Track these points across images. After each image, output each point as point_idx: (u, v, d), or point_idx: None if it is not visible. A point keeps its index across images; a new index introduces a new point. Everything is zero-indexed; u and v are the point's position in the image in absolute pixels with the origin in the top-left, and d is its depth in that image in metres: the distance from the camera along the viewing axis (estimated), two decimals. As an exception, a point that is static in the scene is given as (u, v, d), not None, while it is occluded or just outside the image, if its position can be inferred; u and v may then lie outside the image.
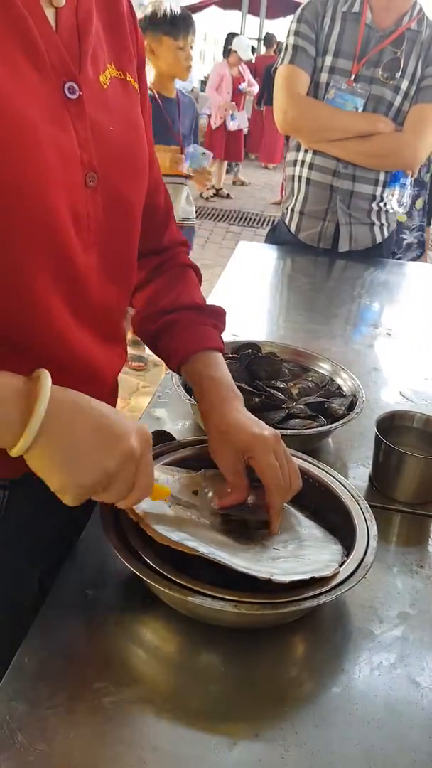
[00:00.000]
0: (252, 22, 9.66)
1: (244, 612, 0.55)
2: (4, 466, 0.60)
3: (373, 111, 1.62)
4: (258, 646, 0.60)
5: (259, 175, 7.56)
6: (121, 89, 0.61)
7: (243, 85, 6.66)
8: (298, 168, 1.74)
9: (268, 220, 5.77)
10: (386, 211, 1.76)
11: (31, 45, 0.51)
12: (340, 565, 0.61)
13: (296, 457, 0.77)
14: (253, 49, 8.49)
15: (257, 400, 0.90)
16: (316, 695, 0.57)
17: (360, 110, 1.61)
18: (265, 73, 6.86)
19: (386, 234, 1.82)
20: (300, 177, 1.74)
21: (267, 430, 0.66)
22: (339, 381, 0.99)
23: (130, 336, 2.18)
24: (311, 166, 1.70)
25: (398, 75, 1.59)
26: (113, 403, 0.76)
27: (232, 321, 1.35)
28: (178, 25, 2.19)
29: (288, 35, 1.64)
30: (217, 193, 6.66)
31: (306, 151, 1.71)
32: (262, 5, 9.08)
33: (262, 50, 8.79)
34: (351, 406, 0.92)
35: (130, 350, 2.72)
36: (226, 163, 6.80)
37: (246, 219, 5.92)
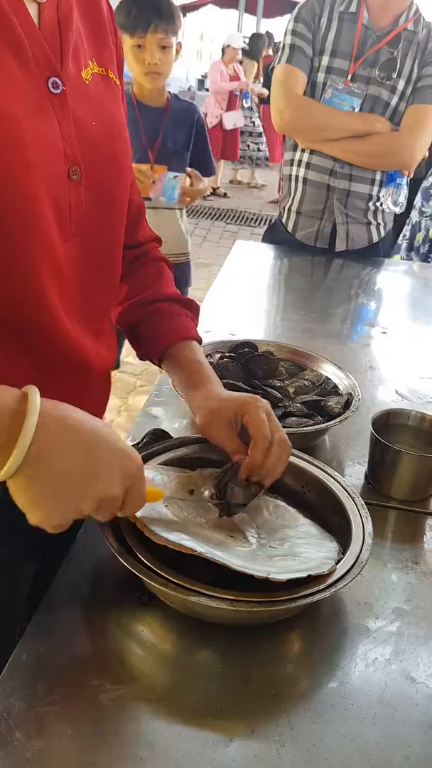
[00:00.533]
0: (249, 21, 9.66)
1: (242, 610, 0.55)
2: None
3: (370, 111, 1.62)
4: (254, 643, 0.61)
5: (256, 174, 7.55)
6: (103, 85, 0.62)
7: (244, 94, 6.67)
8: (295, 167, 1.74)
9: (266, 219, 5.77)
10: (383, 211, 1.76)
11: (14, 40, 0.52)
12: (337, 563, 0.61)
13: (292, 454, 0.77)
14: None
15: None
16: (311, 691, 0.58)
17: (357, 110, 1.62)
18: (264, 72, 6.85)
19: (383, 233, 1.82)
20: (297, 176, 1.74)
21: (260, 398, 0.70)
22: (335, 379, 1.00)
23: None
24: (308, 165, 1.71)
25: (395, 75, 1.60)
26: (106, 397, 0.77)
27: (228, 320, 1.36)
28: (135, 17, 1.67)
29: (285, 35, 1.64)
30: (214, 192, 6.66)
31: (303, 150, 1.71)
32: (258, 4, 9.08)
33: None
34: (347, 405, 0.92)
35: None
36: (223, 162, 6.79)
37: (243, 218, 5.92)
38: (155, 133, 1.88)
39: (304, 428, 0.87)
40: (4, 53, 0.51)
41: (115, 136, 0.63)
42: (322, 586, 0.58)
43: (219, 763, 0.51)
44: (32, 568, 0.71)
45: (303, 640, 0.63)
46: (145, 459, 0.72)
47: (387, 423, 0.89)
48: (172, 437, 0.80)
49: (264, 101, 6.83)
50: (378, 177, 1.69)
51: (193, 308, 0.84)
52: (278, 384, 0.96)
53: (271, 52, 7.37)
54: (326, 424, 0.88)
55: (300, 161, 1.72)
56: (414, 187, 2.13)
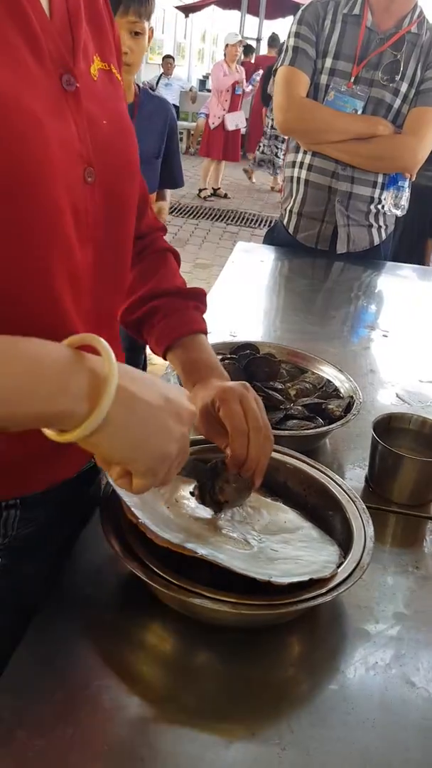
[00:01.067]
0: (251, 22, 9.66)
1: (244, 613, 0.55)
2: (13, 485, 0.60)
3: (373, 113, 1.62)
4: (255, 646, 0.61)
5: (257, 176, 7.57)
6: (108, 81, 0.60)
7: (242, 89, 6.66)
8: (296, 169, 1.75)
9: (266, 221, 5.78)
10: (384, 214, 1.77)
11: (31, 34, 0.49)
12: (338, 567, 0.61)
13: (293, 457, 0.77)
14: (251, 48, 8.50)
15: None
16: (312, 695, 0.58)
17: (359, 112, 1.62)
18: (266, 72, 6.85)
19: (384, 236, 1.82)
20: (299, 178, 1.74)
21: (237, 383, 0.69)
22: (336, 382, 1.00)
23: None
24: (310, 167, 1.71)
25: (398, 78, 1.60)
26: None
27: (229, 321, 1.36)
28: None
29: (288, 37, 1.64)
30: (215, 193, 6.66)
31: (305, 152, 1.71)
32: (261, 5, 9.07)
33: (262, 50, 8.80)
34: (348, 408, 0.92)
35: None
36: (224, 163, 6.80)
37: (243, 219, 5.92)
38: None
39: (305, 431, 0.87)
40: (22, 48, 0.48)
41: (125, 135, 0.62)
42: (323, 590, 0.58)
43: (219, 765, 0.51)
44: (44, 574, 0.70)
45: (303, 644, 0.63)
46: None
47: (388, 427, 0.89)
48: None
49: (266, 103, 6.84)
50: (380, 180, 1.69)
51: (196, 295, 0.81)
52: (279, 386, 0.96)
53: (275, 54, 7.38)
54: (327, 427, 0.88)
55: (302, 163, 1.72)
56: None
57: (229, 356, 1.02)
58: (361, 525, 0.67)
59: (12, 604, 0.65)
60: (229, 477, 0.66)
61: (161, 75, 8.37)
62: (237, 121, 6.66)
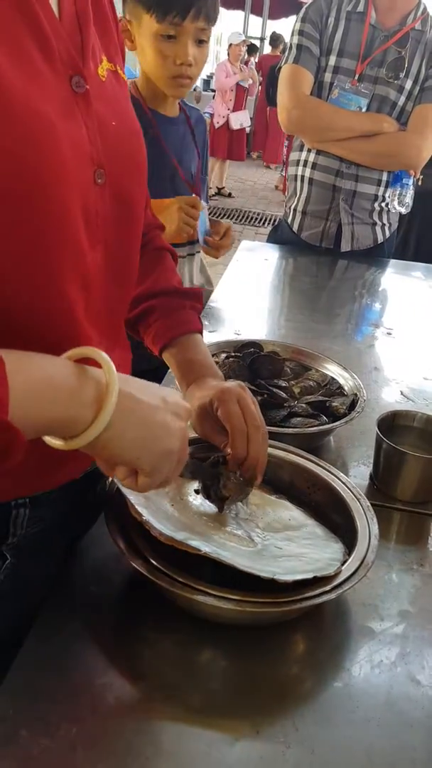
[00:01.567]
0: (255, 22, 9.65)
1: (248, 610, 0.55)
2: (24, 485, 0.60)
3: (377, 111, 1.62)
4: (260, 643, 0.60)
5: (260, 175, 7.56)
6: (115, 81, 0.60)
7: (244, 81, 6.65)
8: (301, 167, 1.74)
9: (270, 219, 5.77)
10: (388, 211, 1.76)
11: (41, 35, 0.49)
12: (342, 564, 0.61)
13: (297, 455, 0.77)
14: (254, 48, 8.48)
15: (259, 398, 0.90)
16: (317, 693, 0.58)
17: (364, 110, 1.62)
18: (269, 72, 6.85)
19: (388, 234, 1.82)
20: (303, 176, 1.74)
21: (233, 383, 0.70)
22: (340, 380, 0.99)
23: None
24: (314, 165, 1.70)
25: (402, 75, 1.59)
26: None
27: (233, 319, 1.36)
28: None
29: (292, 35, 1.64)
30: (219, 192, 6.66)
31: (309, 150, 1.71)
32: (265, 5, 9.06)
33: (266, 50, 8.78)
34: (352, 406, 0.92)
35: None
36: (228, 162, 6.80)
37: (248, 218, 5.92)
38: (180, 152, 1.33)
39: (310, 429, 0.86)
40: (32, 50, 0.48)
41: (134, 135, 0.62)
42: (327, 588, 0.58)
43: (224, 763, 0.50)
44: (51, 572, 0.70)
45: (308, 642, 0.63)
46: None
47: (392, 424, 0.89)
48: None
49: (272, 103, 6.83)
50: (384, 177, 1.69)
51: (192, 295, 0.82)
52: (284, 384, 0.96)
53: (279, 53, 7.37)
54: (331, 424, 0.88)
55: (306, 161, 1.72)
56: None
57: (233, 354, 1.02)
58: (366, 523, 0.67)
59: (18, 602, 0.65)
60: (230, 473, 0.67)
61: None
62: (241, 120, 6.66)
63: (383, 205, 1.73)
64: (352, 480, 0.75)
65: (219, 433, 0.69)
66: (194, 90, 8.87)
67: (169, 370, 0.94)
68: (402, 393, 1.12)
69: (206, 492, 0.68)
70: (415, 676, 0.60)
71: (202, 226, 1.34)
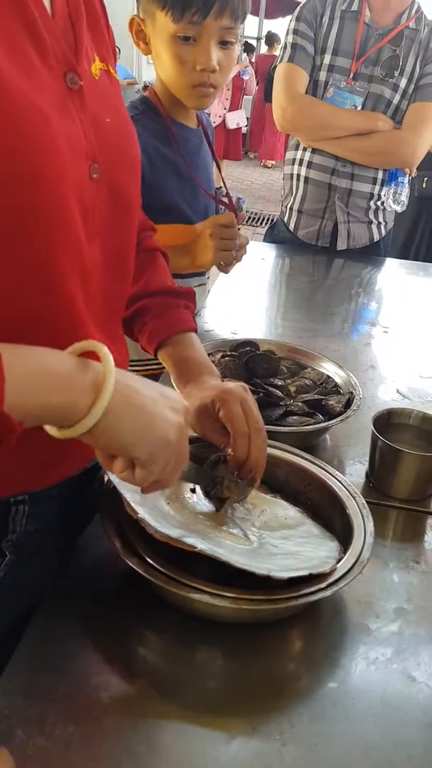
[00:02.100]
0: (251, 22, 9.65)
1: (243, 608, 0.55)
2: (22, 481, 0.60)
3: (372, 109, 1.62)
4: (256, 641, 0.61)
5: (258, 174, 7.56)
6: (108, 81, 0.61)
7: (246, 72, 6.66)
8: (296, 166, 1.74)
9: (267, 219, 5.77)
10: (384, 210, 1.76)
11: (35, 32, 0.50)
12: (337, 562, 0.61)
13: (294, 453, 0.77)
14: (251, 47, 8.48)
15: (255, 397, 0.89)
16: (313, 690, 0.58)
17: (359, 108, 1.62)
18: (267, 71, 6.85)
19: (384, 232, 1.82)
20: (299, 175, 1.74)
21: (236, 385, 0.70)
22: (336, 378, 0.99)
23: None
24: (310, 164, 1.70)
25: (397, 73, 1.59)
26: None
27: (230, 319, 1.36)
28: None
29: (287, 34, 1.64)
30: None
31: (305, 149, 1.71)
32: (261, 5, 9.06)
33: (262, 49, 8.78)
34: (348, 404, 0.92)
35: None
36: (225, 162, 6.79)
37: (245, 217, 5.92)
38: (201, 166, 1.19)
39: (305, 427, 0.87)
40: (27, 47, 0.49)
41: (127, 133, 0.63)
42: (323, 585, 0.58)
43: (220, 761, 0.51)
44: (51, 572, 0.70)
45: (304, 639, 0.63)
46: None
47: (388, 422, 0.89)
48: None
49: (268, 99, 6.82)
50: (379, 176, 1.69)
51: (186, 296, 0.83)
52: (279, 383, 0.96)
53: (275, 53, 7.37)
54: (327, 423, 0.88)
55: (302, 160, 1.72)
56: None
57: (229, 353, 1.02)
58: (361, 520, 0.67)
59: (17, 599, 0.65)
60: (230, 474, 0.67)
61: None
62: (238, 120, 6.66)
63: (379, 203, 1.73)
64: (348, 478, 0.75)
65: (219, 433, 0.69)
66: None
67: (165, 371, 0.95)
68: (398, 391, 1.12)
69: (206, 493, 0.68)
70: (410, 673, 0.60)
71: None
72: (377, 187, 1.70)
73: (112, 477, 0.59)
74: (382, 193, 1.72)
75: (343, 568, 0.60)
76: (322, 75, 1.62)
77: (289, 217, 1.81)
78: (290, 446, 0.78)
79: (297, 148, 1.74)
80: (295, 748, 0.52)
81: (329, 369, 1.02)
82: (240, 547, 0.62)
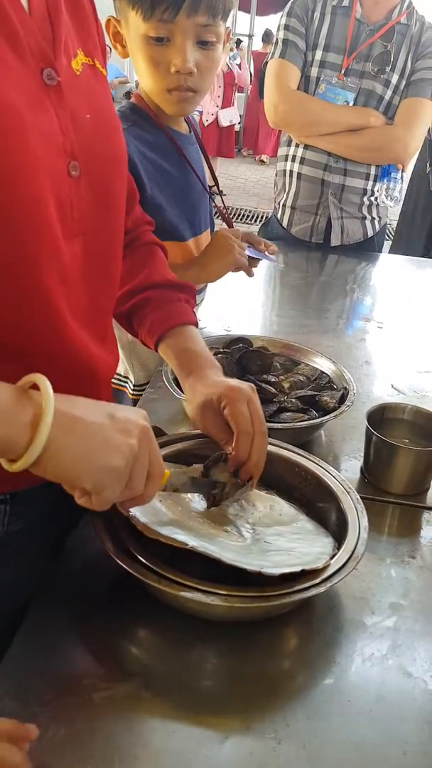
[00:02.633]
0: (243, 19, 9.63)
1: (235, 605, 0.55)
2: (2, 480, 0.59)
3: (364, 105, 1.61)
4: (250, 639, 0.60)
5: (251, 172, 7.55)
6: (92, 76, 0.60)
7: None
8: (289, 163, 1.74)
9: (261, 217, 5.77)
10: (377, 205, 1.76)
11: (10, 29, 0.49)
12: (331, 558, 0.61)
13: (288, 450, 0.77)
14: (239, 42, 8.49)
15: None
16: (307, 687, 0.57)
17: (351, 104, 1.61)
18: (261, 67, 6.85)
19: (377, 228, 1.82)
20: (291, 172, 1.73)
21: (243, 384, 0.69)
22: (330, 374, 0.99)
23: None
24: (302, 160, 1.70)
25: (388, 69, 1.59)
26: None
27: (224, 316, 1.35)
28: None
29: (278, 30, 1.63)
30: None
31: (297, 145, 1.71)
32: (252, 1, 9.05)
33: (254, 46, 8.77)
34: (342, 399, 0.91)
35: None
36: (218, 160, 6.78)
37: (239, 215, 5.91)
38: (202, 173, 1.15)
39: (299, 423, 0.86)
40: (1, 44, 0.48)
41: (110, 129, 0.62)
42: (317, 581, 0.57)
43: (214, 760, 0.50)
44: (37, 573, 0.69)
45: (299, 636, 0.62)
46: None
47: (382, 417, 0.88)
48: (166, 434, 0.79)
49: (262, 97, 6.82)
50: (372, 171, 1.69)
51: (187, 290, 0.82)
52: (273, 379, 0.96)
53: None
54: (321, 419, 0.87)
55: (294, 156, 1.72)
56: None
57: (222, 350, 1.01)
58: (356, 516, 0.66)
59: (4, 601, 0.64)
60: (229, 476, 0.67)
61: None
62: (231, 117, 6.65)
63: (372, 199, 1.73)
64: (343, 474, 0.75)
65: (221, 429, 0.68)
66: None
67: (164, 364, 0.94)
68: (393, 386, 1.12)
69: (206, 497, 0.67)
70: (406, 669, 0.59)
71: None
72: (370, 183, 1.70)
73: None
74: (376, 189, 1.71)
75: (337, 563, 0.60)
76: (314, 71, 1.61)
77: (283, 214, 1.81)
78: (284, 443, 0.78)
79: (289, 145, 1.73)
80: (289, 747, 0.51)
81: (323, 365, 1.01)
82: (233, 544, 0.61)
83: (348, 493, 0.70)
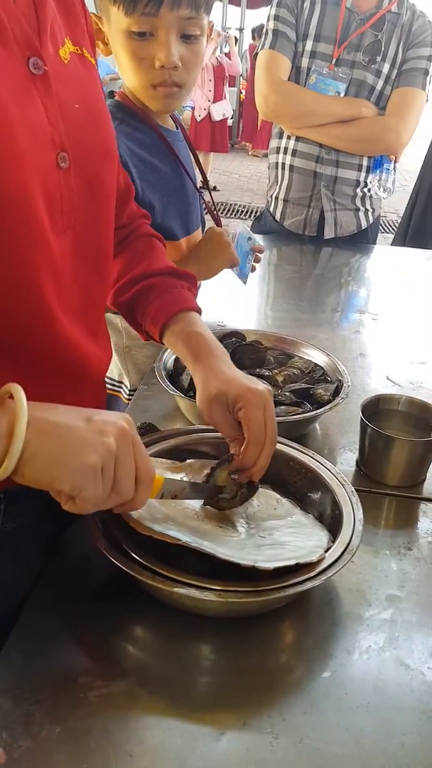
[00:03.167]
0: (233, 13, 9.57)
1: (230, 600, 0.54)
2: None
3: (355, 95, 1.60)
4: (245, 633, 0.60)
5: (245, 167, 7.52)
6: (80, 65, 0.59)
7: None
8: (281, 155, 1.73)
9: (256, 212, 5.75)
10: (370, 197, 1.75)
11: None
12: (326, 551, 0.60)
13: (283, 443, 0.76)
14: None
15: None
16: (304, 681, 0.57)
17: (342, 95, 1.60)
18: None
19: (371, 220, 1.81)
20: (283, 164, 1.72)
21: (261, 385, 0.66)
22: (324, 367, 0.98)
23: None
24: (294, 152, 1.69)
25: (379, 59, 1.58)
26: (102, 400, 0.74)
27: (218, 311, 1.34)
28: None
29: (268, 20, 1.62)
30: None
31: (289, 137, 1.69)
32: (243, -6, 9.00)
33: (245, 40, 8.72)
34: (336, 392, 0.91)
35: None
36: (212, 155, 6.75)
37: (234, 210, 5.89)
38: (191, 170, 1.15)
39: (293, 417, 0.85)
40: None
41: (100, 119, 0.60)
42: (312, 574, 0.57)
43: (210, 757, 0.50)
44: (34, 573, 0.69)
45: (295, 630, 0.62)
46: None
47: (377, 409, 0.88)
48: (160, 430, 0.78)
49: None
50: (365, 163, 1.68)
51: (188, 278, 0.81)
52: (267, 373, 0.95)
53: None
54: (315, 412, 0.87)
55: (286, 148, 1.71)
56: None
57: (215, 345, 1.00)
58: (351, 508, 0.66)
59: (0, 599, 0.64)
60: (234, 483, 0.66)
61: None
62: (223, 111, 6.61)
63: (365, 190, 1.72)
64: (339, 467, 0.75)
65: (229, 425, 0.66)
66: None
67: (157, 360, 0.93)
68: (388, 378, 1.11)
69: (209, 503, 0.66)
70: (403, 661, 0.59)
71: (243, 261, 1.19)
72: (363, 174, 1.69)
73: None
74: (368, 180, 1.70)
75: (332, 556, 0.59)
76: (305, 61, 1.60)
77: (276, 207, 1.80)
78: (279, 436, 0.77)
79: (281, 137, 1.72)
80: (286, 741, 0.51)
81: (317, 357, 1.00)
82: (227, 539, 0.61)
83: (343, 485, 0.69)
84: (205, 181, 1.25)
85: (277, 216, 1.80)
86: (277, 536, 0.63)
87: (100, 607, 0.61)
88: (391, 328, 1.35)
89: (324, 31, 1.57)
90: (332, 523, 0.67)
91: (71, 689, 0.53)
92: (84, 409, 0.52)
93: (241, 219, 5.63)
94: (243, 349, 0.98)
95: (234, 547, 0.59)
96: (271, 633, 0.61)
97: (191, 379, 0.90)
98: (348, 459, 0.88)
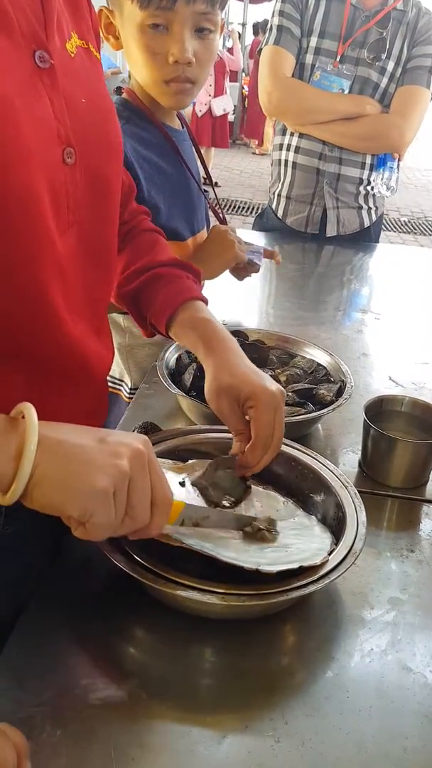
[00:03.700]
0: (236, 7, 9.53)
1: (233, 604, 0.54)
2: None
3: (359, 93, 1.60)
4: (248, 636, 0.59)
5: (247, 163, 7.50)
6: (87, 59, 0.58)
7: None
8: (284, 152, 1.72)
9: (257, 208, 5.73)
10: (374, 195, 1.74)
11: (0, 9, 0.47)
12: (329, 554, 0.60)
13: (285, 444, 0.76)
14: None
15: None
16: (306, 684, 0.57)
17: (346, 92, 1.59)
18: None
19: (374, 218, 1.80)
20: (286, 161, 1.71)
21: (274, 385, 0.66)
22: (327, 367, 0.98)
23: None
24: (297, 149, 1.68)
25: (384, 56, 1.57)
26: (104, 406, 0.73)
27: (220, 309, 1.33)
28: None
29: (272, 15, 1.61)
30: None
31: (292, 134, 1.69)
32: (246, -11, 8.95)
33: (248, 36, 8.68)
34: (339, 392, 0.91)
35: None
36: (213, 150, 6.73)
37: (235, 207, 5.87)
38: (196, 170, 1.13)
39: (296, 417, 0.85)
40: None
41: (106, 114, 0.60)
42: (315, 577, 0.57)
43: (212, 760, 0.49)
44: (35, 572, 0.68)
45: (297, 633, 0.62)
46: None
47: (380, 410, 0.88)
48: (162, 430, 0.78)
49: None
50: (368, 160, 1.67)
51: (193, 270, 0.81)
52: (269, 373, 0.95)
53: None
54: (318, 412, 0.86)
55: (289, 145, 1.70)
56: None
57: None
58: (354, 510, 0.66)
59: (1, 603, 0.63)
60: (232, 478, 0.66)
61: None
62: (224, 106, 6.58)
63: (368, 188, 1.71)
64: (342, 468, 0.74)
65: (236, 418, 0.65)
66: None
67: (158, 359, 0.93)
68: (391, 378, 1.11)
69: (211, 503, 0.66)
70: (406, 664, 0.59)
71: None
72: (366, 172, 1.68)
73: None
74: (372, 178, 1.69)
75: (336, 559, 0.59)
76: (309, 58, 1.59)
77: (278, 204, 1.79)
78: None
79: (284, 133, 1.71)
80: (288, 744, 0.51)
81: (320, 357, 1.00)
82: (229, 541, 0.61)
83: (346, 487, 0.69)
84: (209, 178, 1.25)
85: (280, 213, 1.79)
86: (279, 539, 0.63)
87: (102, 610, 0.61)
88: (394, 327, 1.35)
89: (329, 28, 1.56)
90: (335, 525, 0.66)
91: (72, 692, 0.53)
92: (99, 430, 0.50)
93: (243, 215, 5.62)
94: (245, 349, 0.96)
95: (236, 549, 0.59)
96: (272, 635, 0.60)
97: (193, 379, 0.90)
98: (351, 460, 0.88)
